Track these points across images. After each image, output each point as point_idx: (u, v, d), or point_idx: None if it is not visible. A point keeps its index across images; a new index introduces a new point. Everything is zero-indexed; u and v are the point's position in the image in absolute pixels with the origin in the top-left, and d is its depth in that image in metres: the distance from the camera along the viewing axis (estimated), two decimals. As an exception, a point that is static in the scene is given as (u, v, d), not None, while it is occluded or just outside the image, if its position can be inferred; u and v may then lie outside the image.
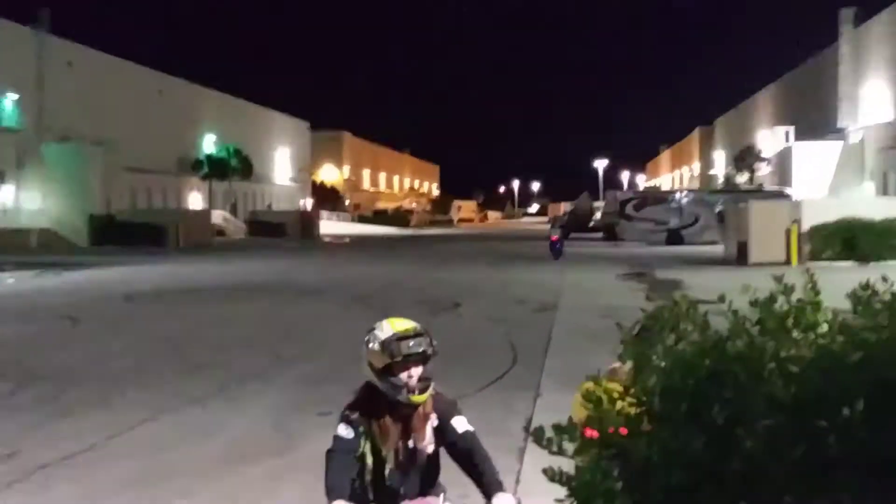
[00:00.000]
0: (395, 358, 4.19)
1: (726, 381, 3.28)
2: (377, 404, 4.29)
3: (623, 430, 3.41)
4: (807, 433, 3.09)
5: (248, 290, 26.92)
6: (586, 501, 3.30)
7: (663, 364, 3.40)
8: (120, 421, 10.45)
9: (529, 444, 8.35)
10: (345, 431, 4.28)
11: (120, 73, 70.88)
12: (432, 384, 4.29)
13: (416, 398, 4.23)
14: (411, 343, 4.21)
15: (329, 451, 4.28)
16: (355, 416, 4.30)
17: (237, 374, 13.35)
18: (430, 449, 4.35)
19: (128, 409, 11.10)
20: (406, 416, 4.31)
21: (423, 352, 4.23)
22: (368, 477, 4.31)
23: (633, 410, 3.46)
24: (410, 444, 4.32)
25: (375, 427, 4.29)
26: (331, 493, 4.14)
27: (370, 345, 4.27)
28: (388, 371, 4.22)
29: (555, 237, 42.80)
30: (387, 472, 4.31)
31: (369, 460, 4.29)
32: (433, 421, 4.34)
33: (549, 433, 3.46)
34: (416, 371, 4.23)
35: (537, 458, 3.67)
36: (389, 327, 4.27)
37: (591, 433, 3.44)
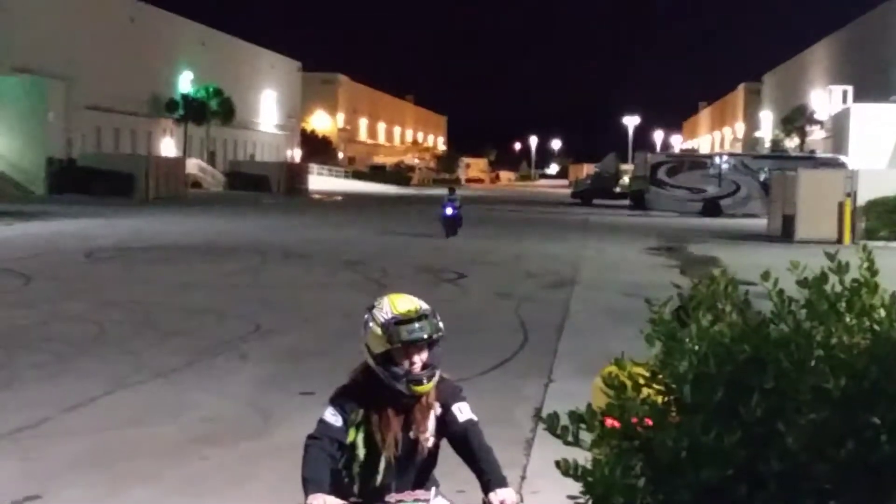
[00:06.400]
0: (394, 344, 4.14)
1: (767, 370, 3.28)
2: (375, 391, 4.24)
3: (648, 421, 3.43)
4: (856, 430, 3.12)
5: (225, 249, 27.00)
6: (604, 498, 3.33)
7: (697, 348, 3.39)
8: (75, 393, 10.47)
9: (538, 435, 8.46)
10: (332, 417, 4.22)
11: (86, -3, 70.54)
12: (437, 372, 4.24)
13: (419, 388, 4.19)
14: (415, 326, 4.15)
15: (310, 437, 4.23)
16: (347, 401, 4.26)
17: (208, 345, 13.39)
18: (431, 442, 4.32)
19: (85, 380, 11.12)
20: (407, 406, 4.26)
21: (429, 337, 4.18)
22: (357, 469, 4.27)
23: (660, 399, 3.48)
24: (411, 435, 4.28)
25: (372, 416, 4.24)
26: (308, 484, 4.09)
27: (368, 325, 4.22)
28: (388, 358, 4.17)
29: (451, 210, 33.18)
30: (381, 465, 4.25)
31: (361, 452, 4.24)
32: (436, 410, 4.30)
33: (563, 421, 3.46)
34: (420, 357, 4.18)
35: (547, 450, 3.68)
36: (390, 307, 4.20)
37: (612, 423, 3.46)
